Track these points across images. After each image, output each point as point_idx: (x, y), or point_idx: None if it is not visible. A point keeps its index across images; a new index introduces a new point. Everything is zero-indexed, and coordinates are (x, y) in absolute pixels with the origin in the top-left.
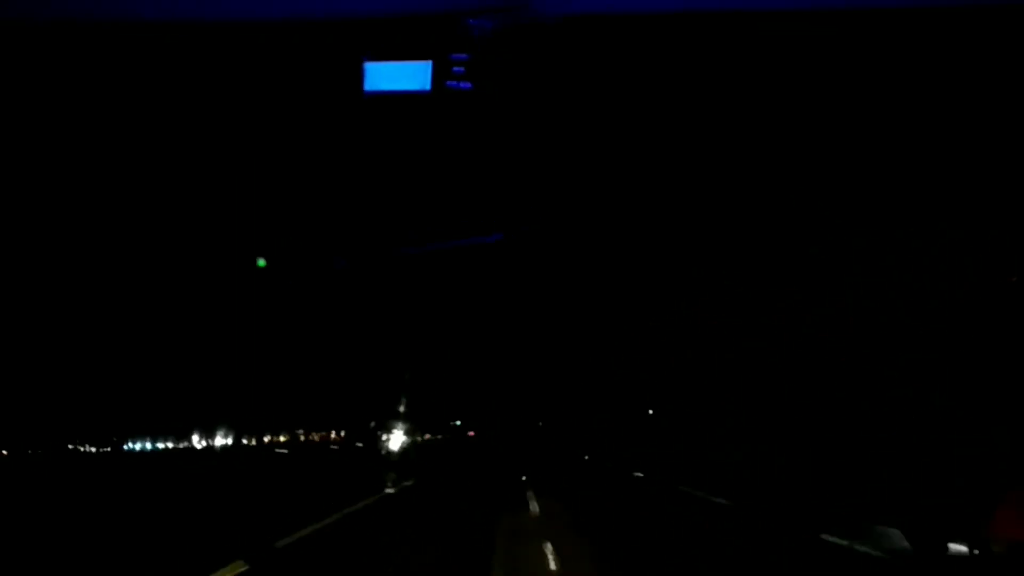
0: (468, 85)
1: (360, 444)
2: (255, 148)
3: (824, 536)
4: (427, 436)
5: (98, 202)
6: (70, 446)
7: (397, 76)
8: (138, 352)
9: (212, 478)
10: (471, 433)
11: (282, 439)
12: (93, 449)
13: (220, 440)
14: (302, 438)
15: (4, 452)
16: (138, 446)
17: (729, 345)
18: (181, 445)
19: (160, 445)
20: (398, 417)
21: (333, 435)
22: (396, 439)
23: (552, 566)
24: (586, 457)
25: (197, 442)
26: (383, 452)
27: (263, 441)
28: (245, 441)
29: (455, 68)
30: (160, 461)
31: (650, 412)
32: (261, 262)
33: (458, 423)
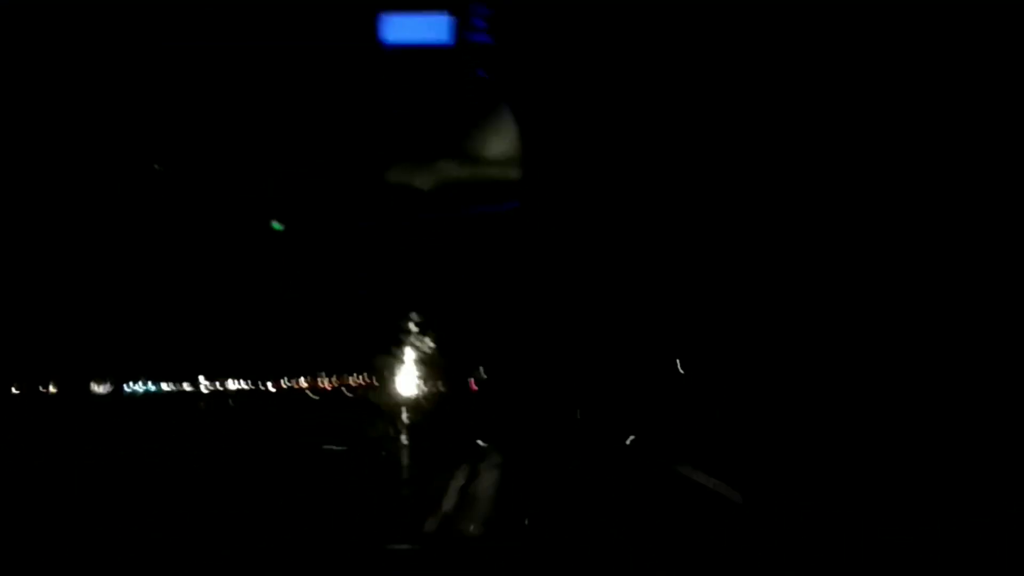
0: (490, 39)
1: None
2: (272, 104)
3: None
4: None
5: (116, 163)
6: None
7: (417, 29)
8: (149, 297)
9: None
10: (474, 387)
11: (304, 383)
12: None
13: (232, 384)
14: (321, 384)
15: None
16: (140, 388)
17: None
18: (186, 387)
19: (165, 387)
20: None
21: (351, 380)
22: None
23: None
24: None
25: (205, 386)
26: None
27: (281, 385)
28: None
29: (476, 21)
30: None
31: None
32: (277, 225)
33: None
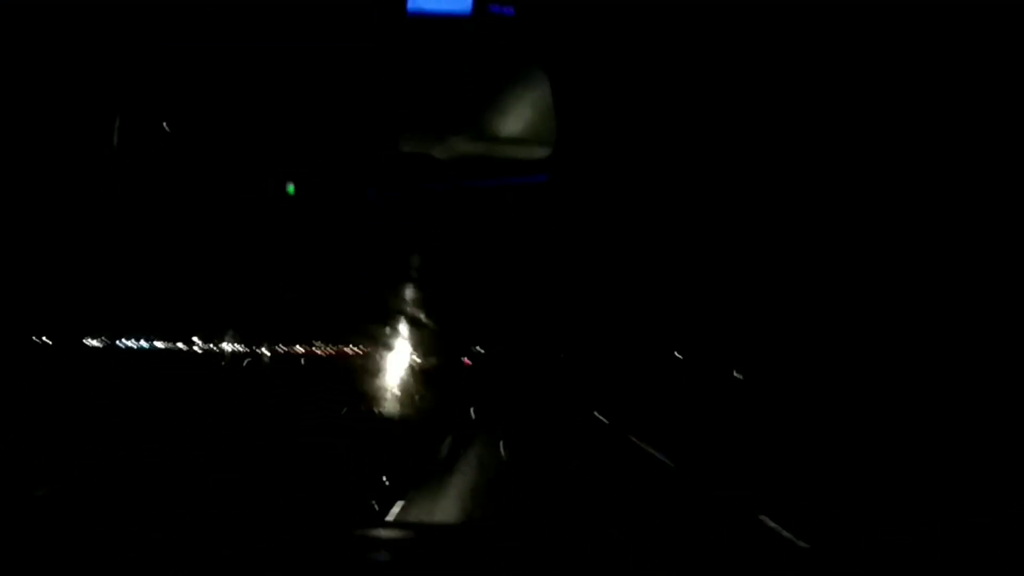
0: (511, 11)
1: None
2: (291, 69)
3: None
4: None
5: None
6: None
7: None
8: (149, 255)
9: None
10: (466, 361)
11: (299, 349)
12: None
13: (228, 345)
14: (320, 352)
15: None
16: (134, 344)
17: None
18: (178, 346)
19: (159, 344)
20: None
21: (348, 350)
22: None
23: None
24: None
25: (199, 346)
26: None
27: (278, 350)
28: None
29: None
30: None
31: None
32: (291, 188)
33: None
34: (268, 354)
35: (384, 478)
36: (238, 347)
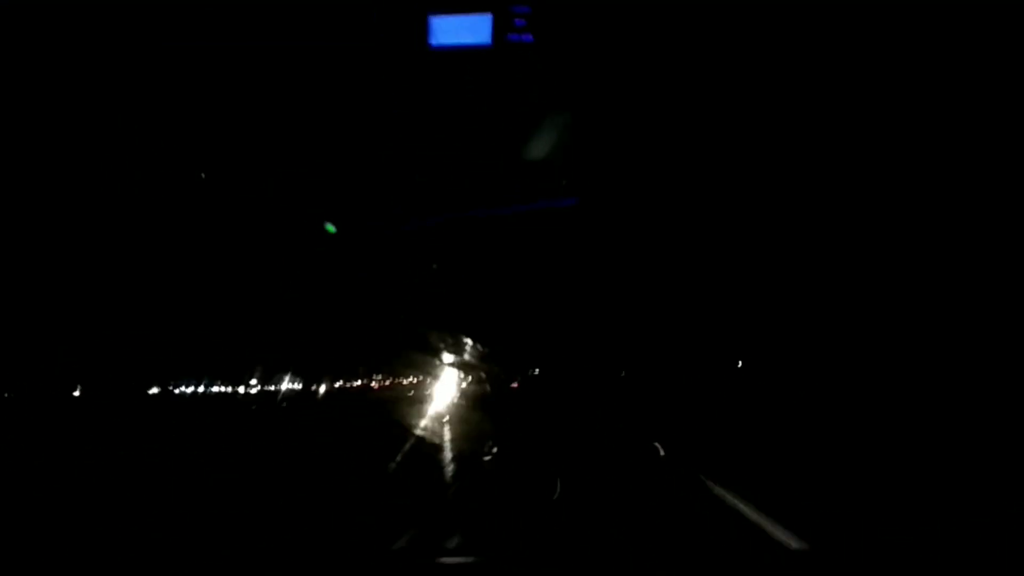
0: (530, 38)
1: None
2: (318, 107)
3: None
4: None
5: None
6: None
7: (460, 30)
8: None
9: None
10: (514, 385)
11: (358, 383)
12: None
13: (286, 385)
14: (374, 384)
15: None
16: (189, 389)
17: None
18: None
19: (215, 389)
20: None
21: (405, 381)
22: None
23: None
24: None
25: (255, 387)
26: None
27: (334, 386)
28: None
29: (516, 21)
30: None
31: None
32: (330, 228)
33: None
34: (323, 389)
35: (432, 507)
36: (295, 385)
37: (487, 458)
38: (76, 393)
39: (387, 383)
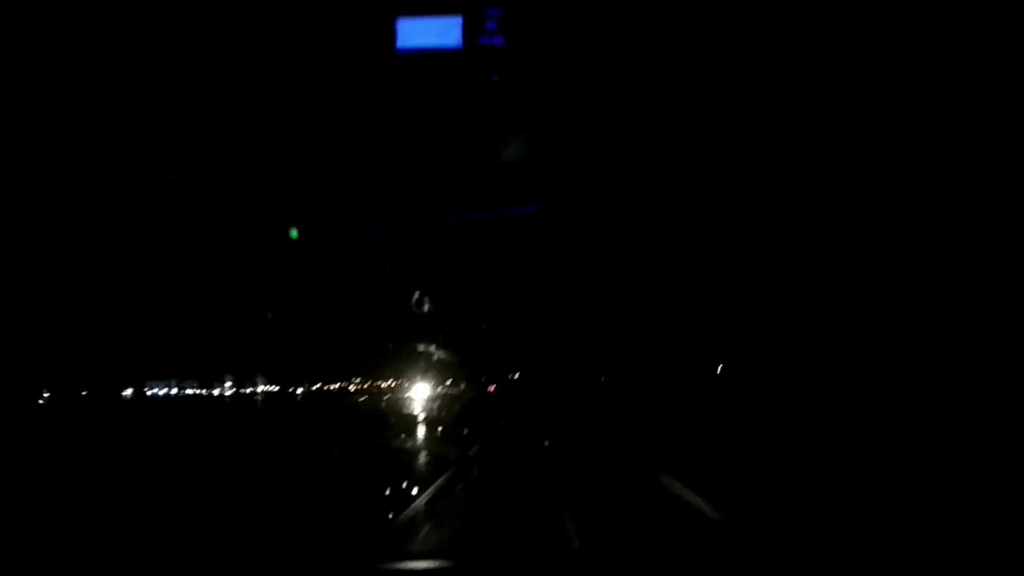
0: (500, 41)
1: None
2: (285, 111)
3: None
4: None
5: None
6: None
7: (429, 32)
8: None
9: None
10: (491, 388)
11: (334, 387)
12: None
13: (262, 387)
14: (352, 387)
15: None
16: (162, 391)
17: None
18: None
19: (188, 391)
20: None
21: (380, 385)
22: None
23: None
24: None
25: (229, 388)
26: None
27: (309, 389)
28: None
29: (488, 23)
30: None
31: None
32: (294, 233)
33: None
34: (300, 392)
35: (404, 510)
36: (271, 387)
37: (467, 460)
38: (46, 395)
39: (364, 386)
